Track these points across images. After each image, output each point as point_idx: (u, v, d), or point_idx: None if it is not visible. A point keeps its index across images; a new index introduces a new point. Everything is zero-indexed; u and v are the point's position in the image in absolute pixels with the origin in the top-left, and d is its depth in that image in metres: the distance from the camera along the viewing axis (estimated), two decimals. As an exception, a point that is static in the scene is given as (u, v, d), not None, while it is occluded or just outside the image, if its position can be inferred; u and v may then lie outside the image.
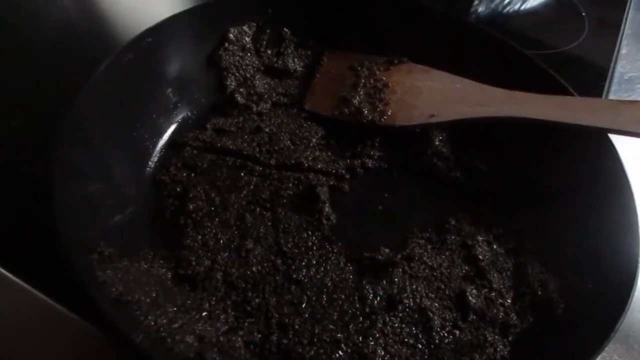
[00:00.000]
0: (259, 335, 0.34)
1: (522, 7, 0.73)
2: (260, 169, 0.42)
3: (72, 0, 0.61)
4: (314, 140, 0.46)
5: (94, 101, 0.38)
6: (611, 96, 0.58)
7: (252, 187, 0.41)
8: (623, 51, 0.65)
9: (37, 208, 0.32)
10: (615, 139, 0.40)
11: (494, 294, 0.37)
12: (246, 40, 0.49)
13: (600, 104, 0.42)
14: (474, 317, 0.36)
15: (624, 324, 0.32)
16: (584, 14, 0.70)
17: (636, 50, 0.66)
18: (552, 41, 0.66)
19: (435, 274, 0.38)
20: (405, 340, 0.35)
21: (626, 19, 0.71)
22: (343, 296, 0.36)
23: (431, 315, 0.36)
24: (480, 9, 0.71)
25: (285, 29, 0.51)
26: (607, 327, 0.31)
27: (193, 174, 0.42)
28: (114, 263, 0.33)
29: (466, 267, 0.39)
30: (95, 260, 0.32)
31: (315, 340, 0.34)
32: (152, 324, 0.31)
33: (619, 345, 0.37)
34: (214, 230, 0.38)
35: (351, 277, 0.37)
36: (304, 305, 0.35)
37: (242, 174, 0.42)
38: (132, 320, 0.31)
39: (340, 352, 0.34)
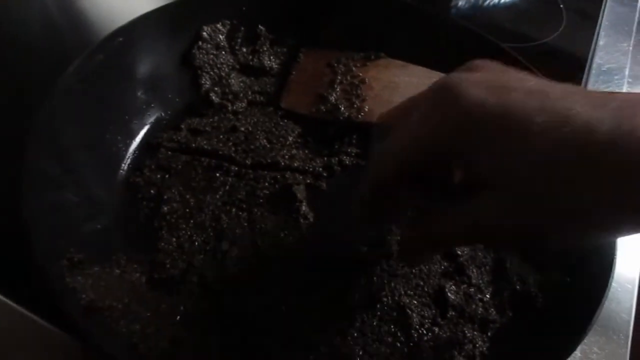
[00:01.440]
0: (236, 338, 0.33)
1: (502, 1, 0.73)
2: (236, 168, 0.42)
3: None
4: (290, 139, 0.45)
5: (63, 103, 0.38)
6: (589, 87, 0.58)
7: (227, 187, 0.41)
8: (601, 42, 0.65)
9: (5, 214, 0.31)
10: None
11: (472, 289, 0.37)
12: (220, 39, 0.48)
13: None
14: (453, 313, 0.36)
15: (602, 316, 0.32)
16: (562, 5, 0.71)
17: (614, 42, 0.66)
18: (531, 33, 0.66)
19: (413, 271, 0.38)
20: (384, 338, 0.34)
21: (604, 11, 0.71)
22: (321, 296, 0.36)
23: (410, 312, 0.35)
24: (461, 2, 0.71)
25: (260, 26, 0.50)
26: (586, 319, 0.31)
27: (167, 176, 0.41)
28: (85, 269, 0.32)
29: (445, 263, 0.38)
30: (65, 266, 0.32)
31: (293, 341, 0.33)
32: (124, 330, 0.31)
33: (598, 338, 0.38)
34: (189, 233, 0.38)
35: (329, 276, 0.37)
36: (281, 307, 0.35)
37: (218, 175, 0.41)
38: (103, 327, 0.30)
39: (318, 353, 0.33)
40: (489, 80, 0.25)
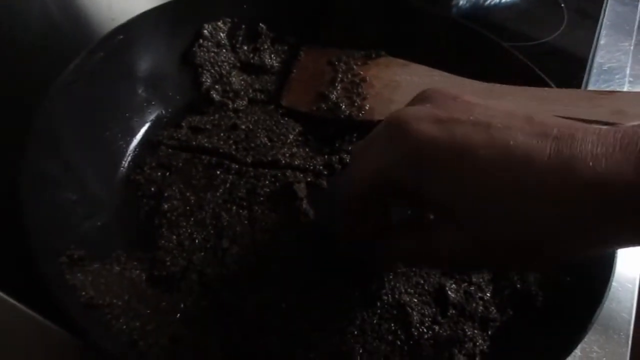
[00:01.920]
0: (236, 336, 0.33)
1: (503, 0, 0.73)
2: (237, 166, 0.42)
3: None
4: (291, 137, 0.45)
5: (63, 102, 0.38)
6: (590, 86, 0.58)
7: (228, 185, 0.41)
8: (602, 42, 0.65)
9: (4, 211, 0.31)
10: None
11: (473, 288, 0.37)
12: (221, 37, 0.48)
13: (577, 95, 0.42)
14: (453, 311, 0.36)
15: (603, 316, 0.32)
16: (563, 5, 0.71)
17: (615, 41, 0.66)
18: (532, 33, 0.66)
19: (414, 269, 0.38)
20: (384, 336, 0.34)
21: (605, 10, 0.71)
22: (321, 294, 0.36)
23: (410, 310, 0.35)
24: (461, 2, 0.71)
25: (261, 24, 0.50)
26: (586, 318, 0.31)
27: (168, 173, 0.41)
28: (85, 266, 0.32)
29: (445, 262, 0.38)
30: (65, 263, 0.32)
31: (293, 339, 0.33)
32: (124, 327, 0.31)
33: (598, 337, 0.37)
34: (189, 230, 0.38)
35: (329, 274, 0.37)
36: (281, 305, 0.35)
37: (218, 172, 0.41)
38: (103, 324, 0.30)
39: (318, 351, 0.33)
40: (437, 115, 0.26)
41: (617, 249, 0.31)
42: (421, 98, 0.30)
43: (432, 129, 0.25)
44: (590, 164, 0.21)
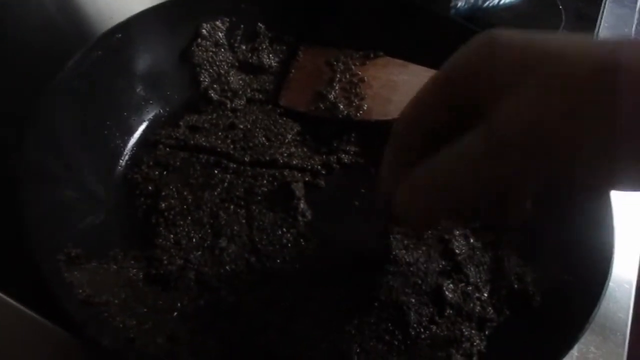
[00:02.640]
0: (232, 335, 0.33)
1: (501, 2, 0.73)
2: (234, 166, 0.42)
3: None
4: (289, 137, 0.45)
5: (61, 99, 0.38)
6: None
7: (225, 184, 0.41)
8: (600, 44, 0.65)
9: (2, 209, 0.31)
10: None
11: (470, 288, 0.37)
12: (219, 36, 0.48)
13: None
14: (451, 311, 0.36)
15: (600, 316, 0.32)
16: (561, 7, 0.71)
17: (613, 43, 0.66)
18: (530, 35, 0.66)
19: (411, 269, 0.38)
20: (382, 336, 0.34)
21: (603, 12, 0.71)
22: (318, 293, 0.36)
23: (407, 310, 0.35)
24: (460, 3, 0.71)
25: (259, 23, 0.50)
26: (583, 318, 0.31)
27: (165, 172, 0.41)
28: (82, 264, 0.32)
29: (443, 262, 0.38)
30: (62, 261, 0.32)
31: (290, 338, 0.33)
32: (121, 325, 0.31)
33: (595, 337, 0.38)
34: (186, 229, 0.38)
35: (326, 273, 0.37)
36: (278, 304, 0.35)
37: (216, 172, 0.41)
38: (100, 322, 0.30)
39: (315, 350, 0.33)
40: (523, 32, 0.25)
41: None
42: None
43: (517, 34, 0.25)
44: None
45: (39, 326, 0.32)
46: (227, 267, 0.36)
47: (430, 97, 0.29)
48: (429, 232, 0.40)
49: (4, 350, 0.32)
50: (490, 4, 0.73)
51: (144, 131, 0.44)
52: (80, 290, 0.31)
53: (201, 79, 0.47)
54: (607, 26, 0.69)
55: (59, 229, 0.33)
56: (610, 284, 0.33)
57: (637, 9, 0.73)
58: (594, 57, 0.22)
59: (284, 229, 0.39)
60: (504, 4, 0.73)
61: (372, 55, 0.50)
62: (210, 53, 0.48)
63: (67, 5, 0.59)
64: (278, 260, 0.37)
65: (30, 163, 0.34)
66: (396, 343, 0.34)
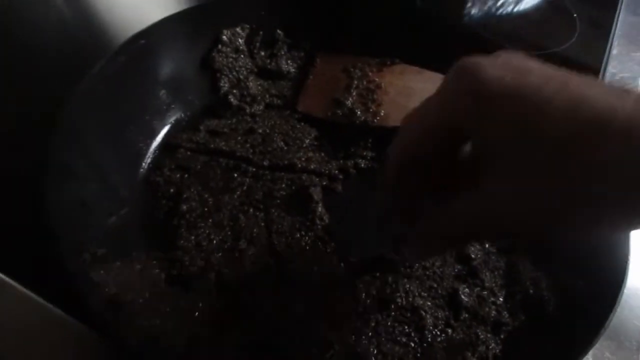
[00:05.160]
0: (252, 336, 0.34)
1: (515, 9, 0.73)
2: (254, 170, 0.43)
3: (66, 3, 0.61)
4: (307, 141, 0.46)
5: (87, 103, 0.39)
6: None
7: (245, 188, 0.41)
8: (614, 52, 0.66)
9: (30, 209, 0.32)
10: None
11: (486, 292, 0.37)
12: (239, 42, 0.49)
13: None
14: (466, 315, 0.36)
15: (615, 322, 0.32)
16: (575, 15, 0.71)
17: (627, 51, 0.66)
18: (544, 42, 0.66)
19: (427, 273, 0.38)
20: (398, 339, 0.35)
21: (617, 20, 0.71)
22: (336, 296, 0.36)
23: (424, 314, 0.36)
24: (474, 11, 0.72)
25: (278, 30, 0.51)
26: (598, 324, 0.32)
27: (186, 175, 0.42)
28: (107, 264, 0.33)
29: (458, 266, 0.39)
30: (88, 261, 0.32)
31: (308, 340, 0.34)
32: (145, 324, 0.31)
33: (610, 343, 0.38)
34: (207, 231, 0.38)
35: (344, 277, 0.37)
36: (296, 306, 0.35)
37: (235, 175, 0.42)
38: (124, 320, 0.31)
39: (332, 352, 0.34)
40: (510, 63, 0.25)
41: None
42: (493, 56, 0.28)
43: (503, 72, 0.24)
44: None
45: (65, 324, 0.33)
46: (246, 269, 0.37)
47: (417, 144, 0.29)
48: None
49: (31, 348, 0.33)
50: (504, 12, 0.73)
51: (166, 135, 0.45)
52: (106, 289, 0.31)
53: (221, 85, 0.48)
54: (621, 34, 0.69)
55: (84, 229, 0.34)
56: (625, 291, 0.33)
57: (651, 17, 0.73)
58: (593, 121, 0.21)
59: (302, 232, 0.39)
60: (518, 12, 0.73)
61: (388, 62, 0.51)
62: (230, 59, 0.49)
63: (84, 13, 0.60)
64: (296, 263, 0.38)
65: (56, 164, 0.35)
66: (412, 345, 0.35)
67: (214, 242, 0.38)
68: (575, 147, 0.22)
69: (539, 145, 0.23)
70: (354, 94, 0.49)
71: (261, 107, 0.48)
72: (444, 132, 0.27)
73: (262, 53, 0.51)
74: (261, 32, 0.51)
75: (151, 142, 0.44)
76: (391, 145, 0.30)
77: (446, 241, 0.30)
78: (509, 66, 0.24)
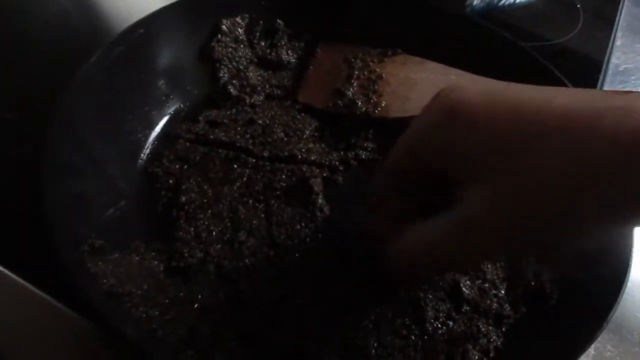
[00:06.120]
0: (251, 328, 0.33)
1: (518, 0, 0.73)
2: (253, 161, 0.42)
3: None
4: (307, 132, 0.45)
5: (84, 94, 0.38)
6: (606, 87, 0.58)
7: (245, 179, 0.41)
8: (618, 43, 0.65)
9: (27, 201, 0.32)
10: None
11: (487, 285, 0.37)
12: (239, 32, 0.49)
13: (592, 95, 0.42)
14: (468, 308, 0.36)
15: (617, 315, 0.32)
16: (578, 6, 0.70)
17: (631, 42, 0.66)
18: (547, 33, 0.65)
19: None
20: (399, 331, 0.34)
21: (621, 11, 0.71)
22: (336, 288, 0.36)
23: (424, 306, 0.35)
24: (476, 1, 0.71)
25: (278, 20, 0.51)
26: (600, 317, 0.31)
27: (185, 166, 0.41)
28: (105, 255, 0.33)
29: (460, 259, 0.39)
30: (86, 252, 0.32)
31: (308, 332, 0.34)
32: (144, 315, 0.31)
33: (612, 336, 0.38)
34: (206, 223, 0.38)
35: (344, 268, 0.37)
36: (296, 297, 0.35)
37: (235, 166, 0.42)
38: (123, 312, 0.31)
39: (333, 344, 0.33)
40: (484, 85, 0.26)
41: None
42: None
43: (477, 93, 0.26)
44: None
45: (64, 316, 0.33)
46: (246, 261, 0.36)
47: (400, 168, 0.31)
48: None
49: (30, 340, 0.33)
50: (507, 3, 0.72)
51: (165, 125, 0.44)
52: (105, 281, 0.31)
53: (221, 75, 0.47)
54: (625, 25, 0.69)
55: (82, 221, 0.34)
56: (628, 283, 0.33)
57: (656, 8, 0.73)
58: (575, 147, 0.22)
59: (302, 224, 0.39)
60: (520, 3, 0.73)
61: (389, 53, 0.50)
62: (230, 49, 0.48)
63: (83, 3, 0.60)
64: (296, 255, 0.37)
65: (54, 155, 0.34)
66: (413, 338, 0.34)
67: (214, 233, 0.38)
68: (558, 159, 0.23)
69: (508, 145, 0.24)
70: (355, 84, 0.48)
71: (261, 98, 0.48)
72: (420, 148, 0.29)
73: (262, 43, 0.50)
74: (261, 22, 0.50)
75: (150, 133, 0.43)
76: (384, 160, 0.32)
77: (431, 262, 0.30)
78: (483, 88, 0.26)
